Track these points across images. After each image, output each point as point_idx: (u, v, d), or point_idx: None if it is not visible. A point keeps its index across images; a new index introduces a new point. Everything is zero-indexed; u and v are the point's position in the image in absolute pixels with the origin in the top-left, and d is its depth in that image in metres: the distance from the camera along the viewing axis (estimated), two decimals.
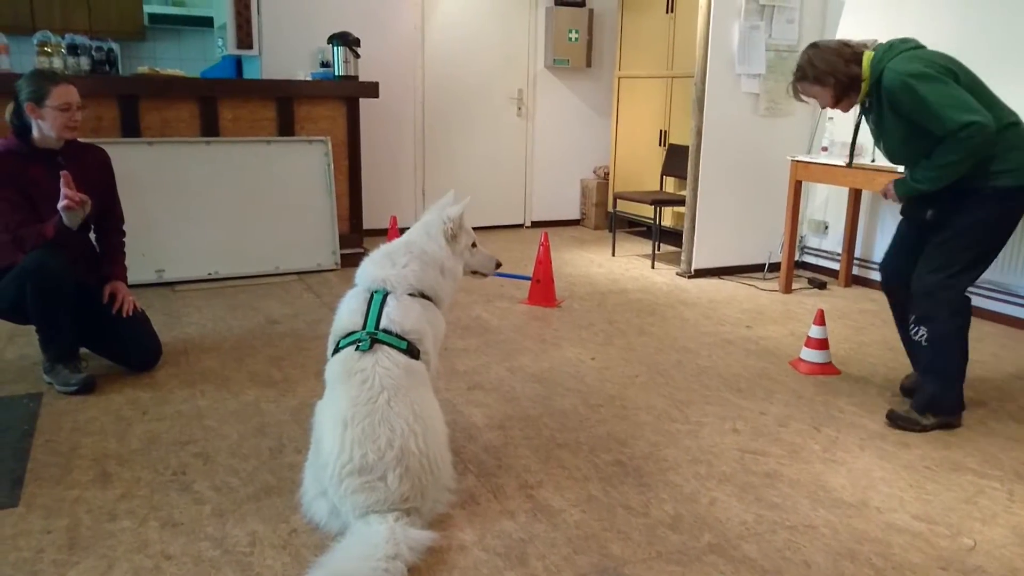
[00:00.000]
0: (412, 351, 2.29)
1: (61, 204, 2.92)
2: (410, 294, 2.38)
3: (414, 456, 2.11)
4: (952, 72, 2.77)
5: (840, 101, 2.99)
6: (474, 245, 2.62)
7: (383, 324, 2.28)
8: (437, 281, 2.47)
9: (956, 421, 2.99)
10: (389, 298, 2.35)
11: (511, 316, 4.35)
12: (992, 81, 4.39)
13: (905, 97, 2.77)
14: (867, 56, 2.90)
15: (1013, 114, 2.86)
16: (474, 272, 2.67)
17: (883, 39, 4.97)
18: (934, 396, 2.95)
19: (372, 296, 2.36)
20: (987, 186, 2.80)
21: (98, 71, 4.86)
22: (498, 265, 2.71)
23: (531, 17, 6.87)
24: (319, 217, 5.29)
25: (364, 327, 2.29)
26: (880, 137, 3.00)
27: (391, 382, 2.17)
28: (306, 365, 3.48)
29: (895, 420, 2.98)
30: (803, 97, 3.07)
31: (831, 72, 2.92)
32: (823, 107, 3.07)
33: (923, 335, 2.93)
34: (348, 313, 2.36)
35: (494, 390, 3.27)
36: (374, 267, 2.44)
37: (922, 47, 2.88)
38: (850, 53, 2.92)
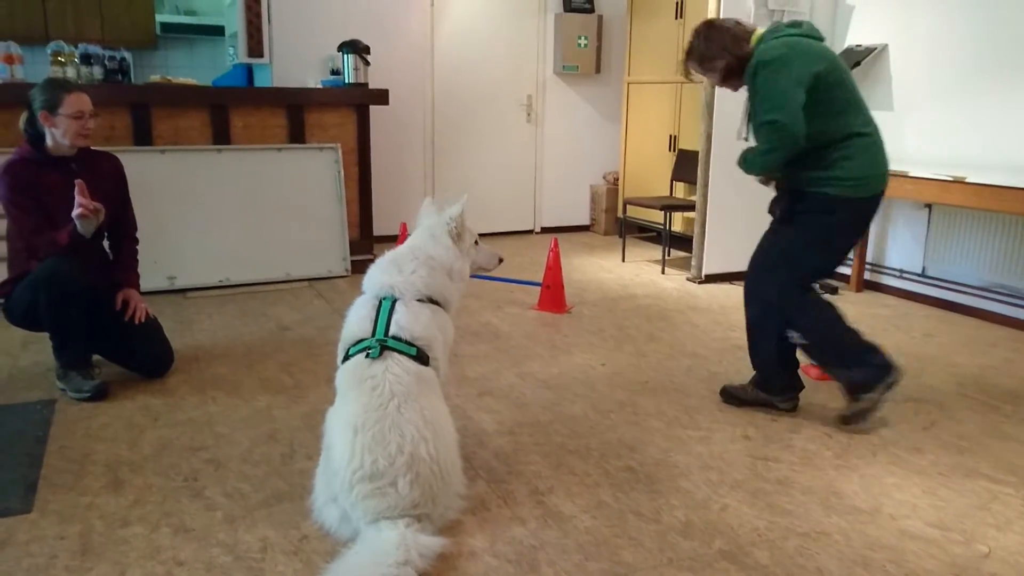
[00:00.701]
0: (422, 357, 2.29)
1: (75, 212, 2.95)
2: (418, 300, 2.39)
3: (424, 462, 2.11)
4: (809, 69, 2.74)
5: (727, 80, 2.97)
6: (476, 243, 2.64)
7: (392, 331, 2.29)
8: (445, 285, 2.48)
9: (894, 379, 2.95)
10: (398, 304, 2.35)
11: (521, 322, 4.35)
12: (1003, 84, 4.38)
13: (752, 82, 2.82)
14: (755, 35, 2.90)
15: (869, 124, 2.89)
16: (478, 269, 2.69)
17: (893, 43, 4.96)
18: (853, 379, 2.97)
19: (380, 303, 2.36)
20: (813, 191, 2.87)
21: (111, 80, 4.90)
22: (500, 261, 2.73)
23: (540, 23, 6.88)
24: (329, 224, 5.31)
25: (374, 334, 2.29)
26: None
27: (401, 389, 2.17)
28: (317, 371, 3.49)
29: (848, 420, 2.99)
30: (692, 75, 3.07)
31: (723, 50, 2.89)
32: (713, 85, 3.07)
33: (796, 337, 2.98)
34: (357, 320, 2.36)
35: (504, 396, 3.26)
36: (381, 274, 2.45)
37: (810, 36, 2.85)
38: (743, 32, 2.91)
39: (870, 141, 2.89)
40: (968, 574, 2.08)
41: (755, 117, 2.81)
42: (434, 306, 2.43)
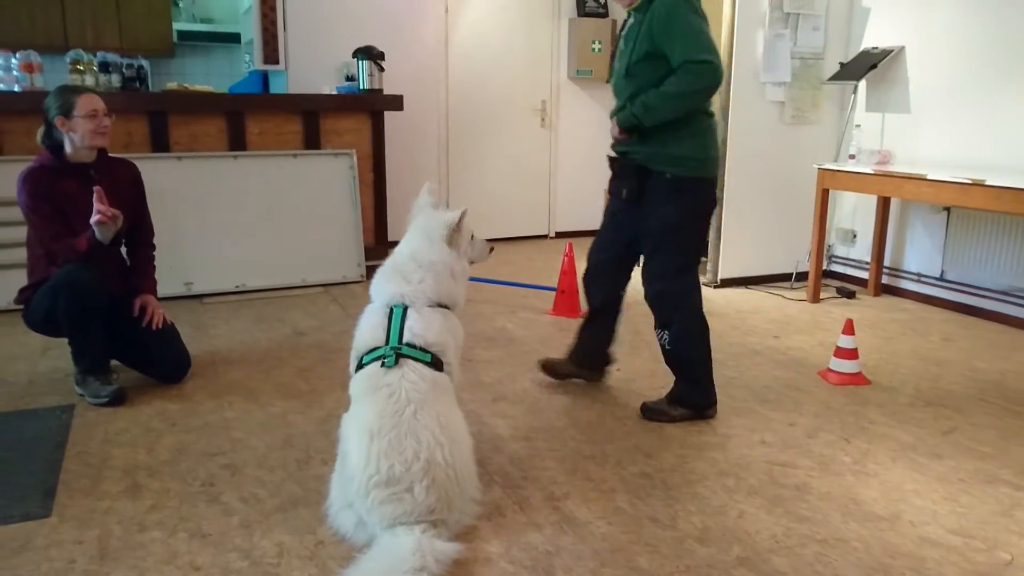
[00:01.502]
0: (436, 363, 2.29)
1: (94, 219, 2.98)
2: (429, 306, 2.39)
3: (440, 468, 2.11)
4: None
5: None
6: (472, 237, 2.65)
7: (406, 338, 2.29)
8: (452, 287, 2.48)
9: (710, 413, 3.09)
10: (410, 311, 2.35)
11: (536, 327, 4.35)
12: (1022, 84, 4.33)
13: (664, 17, 2.75)
14: None
15: (711, 104, 2.94)
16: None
17: (910, 45, 4.92)
18: (683, 393, 3.06)
19: (392, 310, 2.36)
20: (666, 171, 2.87)
21: (128, 88, 4.95)
22: (491, 250, 2.75)
23: (554, 28, 6.89)
24: (344, 229, 5.33)
25: (387, 343, 2.29)
26: (620, 55, 2.97)
27: (417, 396, 2.17)
28: (332, 376, 3.50)
29: (648, 412, 3.07)
30: None
31: None
32: None
33: (665, 339, 3.01)
34: (369, 329, 2.36)
35: (519, 401, 3.26)
36: (388, 284, 2.43)
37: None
38: None
39: (712, 121, 2.94)
40: None
41: (676, 54, 2.72)
42: (444, 310, 2.44)
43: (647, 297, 3.03)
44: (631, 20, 2.94)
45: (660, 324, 3.03)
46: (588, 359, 3.37)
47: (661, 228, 2.93)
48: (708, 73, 2.71)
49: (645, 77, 2.84)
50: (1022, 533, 2.28)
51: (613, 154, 3.09)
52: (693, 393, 3.05)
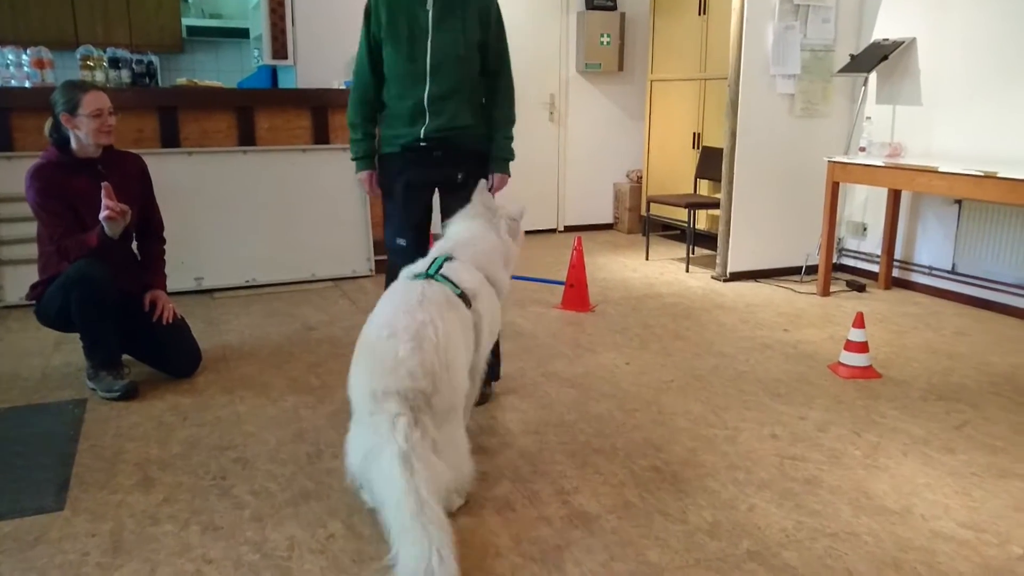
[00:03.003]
0: (465, 300, 2.36)
1: (103, 215, 2.99)
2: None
3: (429, 341, 2.12)
4: None
5: None
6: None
7: (442, 272, 2.40)
8: (500, 268, 2.59)
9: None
10: (449, 262, 2.45)
11: (545, 321, 4.35)
12: None
13: (498, 19, 2.97)
14: None
15: None
16: None
17: (922, 37, 4.89)
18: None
19: (434, 260, 2.45)
20: (482, 149, 3.09)
21: (138, 83, 4.96)
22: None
23: (562, 22, 6.87)
24: (354, 224, 5.34)
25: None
26: (435, 28, 2.84)
27: (432, 296, 2.24)
28: (343, 371, 3.48)
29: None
30: None
31: None
32: None
33: None
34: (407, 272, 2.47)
35: (529, 395, 3.26)
36: (439, 246, 2.57)
37: None
38: None
39: None
40: None
41: (504, 59, 3.10)
42: (486, 281, 2.52)
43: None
44: None
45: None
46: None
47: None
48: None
49: (473, 65, 2.96)
50: None
51: (418, 143, 2.94)
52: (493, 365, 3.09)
